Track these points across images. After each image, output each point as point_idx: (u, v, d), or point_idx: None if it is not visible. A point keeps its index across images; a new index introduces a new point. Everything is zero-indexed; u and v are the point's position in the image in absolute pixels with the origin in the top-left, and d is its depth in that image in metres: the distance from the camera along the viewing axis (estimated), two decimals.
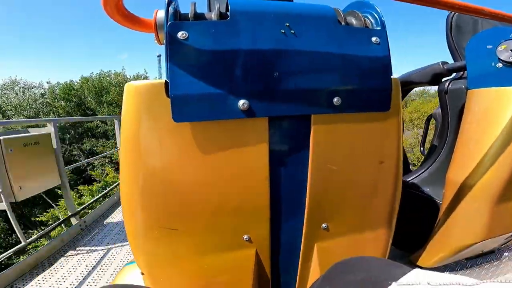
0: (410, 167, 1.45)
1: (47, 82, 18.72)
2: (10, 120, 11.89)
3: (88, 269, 1.97)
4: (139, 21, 0.57)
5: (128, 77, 16.64)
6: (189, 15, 0.52)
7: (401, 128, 0.64)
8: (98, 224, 2.77)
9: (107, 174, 7.52)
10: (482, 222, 0.84)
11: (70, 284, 1.79)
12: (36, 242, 2.55)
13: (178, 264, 0.60)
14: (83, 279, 1.86)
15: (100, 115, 14.95)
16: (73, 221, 2.66)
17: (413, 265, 1.06)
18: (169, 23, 0.48)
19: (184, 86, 0.49)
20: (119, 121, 3.68)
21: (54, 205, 5.96)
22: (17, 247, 2.11)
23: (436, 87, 1.11)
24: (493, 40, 0.79)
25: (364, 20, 0.59)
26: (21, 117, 14.81)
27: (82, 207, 2.98)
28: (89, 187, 6.56)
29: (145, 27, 0.57)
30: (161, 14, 0.54)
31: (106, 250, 2.23)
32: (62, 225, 2.82)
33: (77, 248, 2.27)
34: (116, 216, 2.97)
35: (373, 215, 0.67)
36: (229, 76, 0.50)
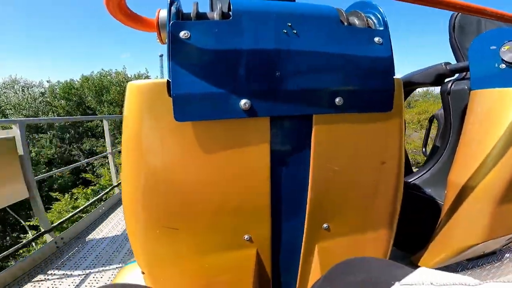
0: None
1: (47, 81, 18.70)
2: None
3: None
4: (141, 21, 0.57)
5: (129, 76, 16.56)
6: (191, 14, 0.53)
7: (403, 129, 0.64)
8: (78, 242, 2.31)
9: (98, 176, 7.20)
10: (484, 223, 0.84)
11: None
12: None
13: (178, 264, 0.60)
14: None
15: (100, 114, 14.90)
16: (48, 238, 2.20)
17: (414, 266, 1.06)
18: (171, 22, 0.48)
19: (186, 85, 0.49)
20: (109, 122, 3.32)
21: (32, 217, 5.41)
22: None
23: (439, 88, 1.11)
24: (496, 40, 0.79)
25: (367, 20, 0.59)
26: (20, 116, 14.75)
27: (58, 222, 2.49)
28: (84, 190, 6.27)
29: (148, 27, 0.57)
30: (163, 13, 0.54)
31: (84, 275, 1.79)
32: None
33: (49, 272, 1.83)
34: (101, 232, 2.52)
35: (374, 216, 0.67)
36: (231, 75, 0.50)
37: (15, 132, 2.06)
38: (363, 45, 0.55)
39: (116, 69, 17.27)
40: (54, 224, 2.34)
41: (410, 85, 1.14)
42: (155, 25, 0.54)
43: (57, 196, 6.40)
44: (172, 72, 0.48)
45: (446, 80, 1.07)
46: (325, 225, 0.63)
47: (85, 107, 16.25)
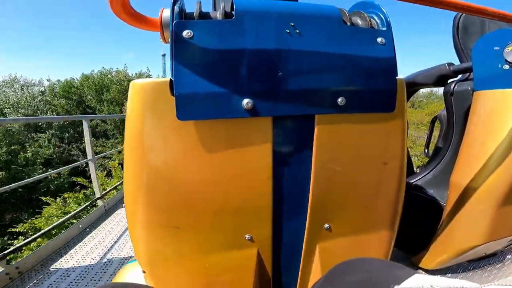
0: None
1: (47, 80, 18.64)
2: None
3: None
4: (145, 20, 0.56)
5: (130, 75, 16.49)
6: (195, 14, 0.53)
7: (406, 129, 0.64)
8: (38, 273, 1.78)
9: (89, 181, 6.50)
10: (486, 225, 0.84)
11: None
12: None
13: (179, 263, 0.60)
14: None
15: (99, 113, 14.80)
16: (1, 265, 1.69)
17: (415, 267, 1.06)
18: (174, 21, 0.48)
19: (189, 84, 0.49)
20: (88, 122, 2.94)
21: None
22: None
23: None
24: (500, 41, 0.79)
25: (370, 21, 0.59)
26: (19, 115, 14.69)
27: (12, 248, 1.89)
28: (75, 194, 5.80)
29: (151, 26, 0.57)
30: (167, 12, 0.54)
31: None
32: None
33: None
34: (70, 259, 1.93)
35: (376, 217, 0.67)
36: (234, 75, 0.50)
37: None
38: (365, 45, 0.55)
39: (117, 68, 17.17)
40: (6, 252, 1.75)
41: (413, 85, 1.14)
42: (158, 24, 0.54)
43: (47, 200, 6.02)
44: (175, 71, 0.48)
45: (449, 81, 1.07)
46: (326, 225, 0.63)
47: (85, 106, 16.19)
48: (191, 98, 0.49)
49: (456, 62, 1.10)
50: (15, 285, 1.67)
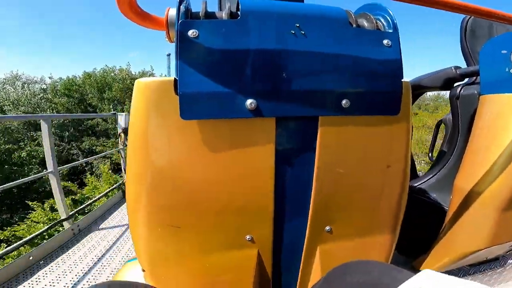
0: None
1: (49, 77, 18.59)
2: None
3: None
4: (151, 19, 0.57)
5: (133, 73, 16.37)
6: (200, 13, 0.53)
7: (410, 133, 0.64)
8: None
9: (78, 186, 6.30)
10: (488, 229, 0.84)
11: None
12: None
13: (180, 262, 0.60)
14: None
15: (100, 112, 14.69)
16: None
17: (416, 270, 1.05)
18: (180, 21, 0.48)
19: (193, 84, 0.49)
20: (49, 123, 2.03)
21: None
22: None
23: None
24: (508, 45, 0.79)
25: (376, 23, 0.59)
26: (19, 112, 14.59)
27: None
28: (65, 198, 5.71)
29: (157, 25, 0.57)
30: (172, 12, 0.54)
31: None
32: None
33: None
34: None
35: (377, 219, 0.67)
36: (238, 75, 0.50)
37: None
38: (371, 47, 0.55)
39: (120, 66, 17.08)
40: None
41: (418, 88, 1.14)
42: (165, 23, 0.54)
43: (33, 206, 5.74)
44: (180, 70, 0.48)
45: (456, 84, 1.06)
46: (327, 228, 0.63)
47: (86, 105, 16.13)
48: (195, 98, 0.49)
49: (463, 65, 1.09)
50: None
